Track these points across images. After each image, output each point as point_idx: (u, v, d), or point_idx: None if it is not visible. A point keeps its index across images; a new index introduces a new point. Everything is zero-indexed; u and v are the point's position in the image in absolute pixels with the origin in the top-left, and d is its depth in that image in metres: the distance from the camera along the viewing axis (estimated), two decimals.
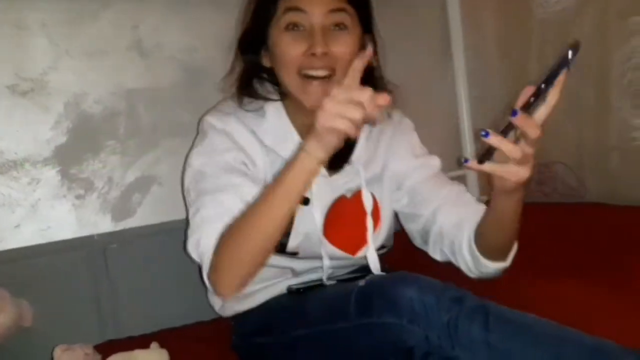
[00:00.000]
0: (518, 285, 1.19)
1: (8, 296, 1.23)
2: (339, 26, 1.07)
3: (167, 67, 1.51)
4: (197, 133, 1.21)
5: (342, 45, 1.07)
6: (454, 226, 1.13)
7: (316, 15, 1.05)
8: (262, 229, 0.98)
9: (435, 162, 1.24)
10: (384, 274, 1.18)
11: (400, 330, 0.93)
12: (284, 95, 1.16)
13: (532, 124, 0.85)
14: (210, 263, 1.03)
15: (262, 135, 1.15)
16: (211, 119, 1.16)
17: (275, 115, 1.15)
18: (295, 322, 1.12)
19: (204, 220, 1.06)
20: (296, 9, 1.05)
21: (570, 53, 0.82)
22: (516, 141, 0.88)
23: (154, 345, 1.21)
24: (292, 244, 1.16)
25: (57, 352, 1.16)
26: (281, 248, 1.17)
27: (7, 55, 1.36)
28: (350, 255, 1.20)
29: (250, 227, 0.98)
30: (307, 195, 1.15)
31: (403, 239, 1.29)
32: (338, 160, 1.17)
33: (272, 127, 1.15)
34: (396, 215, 1.28)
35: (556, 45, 1.65)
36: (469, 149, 1.90)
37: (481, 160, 0.88)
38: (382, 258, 1.22)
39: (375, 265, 1.18)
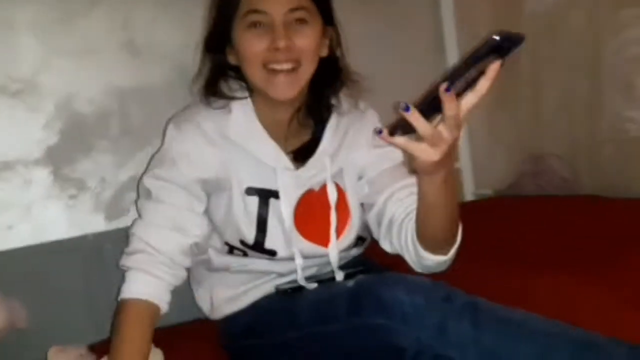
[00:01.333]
0: (510, 278, 1.20)
1: (0, 298, 1.23)
2: (300, 21, 1.09)
3: (160, 66, 1.50)
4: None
5: (304, 38, 1.09)
6: (402, 217, 1.12)
7: (276, 14, 1.07)
8: None
9: (397, 154, 1.23)
10: (352, 272, 1.19)
11: (392, 332, 0.94)
12: (251, 92, 1.17)
13: (454, 104, 0.80)
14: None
15: (227, 131, 1.16)
16: (172, 130, 1.19)
17: (240, 111, 1.17)
18: (285, 324, 1.13)
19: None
20: (256, 11, 1.08)
21: (498, 39, 0.74)
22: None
23: None
24: (268, 242, 1.17)
25: (51, 353, 1.15)
26: (258, 247, 1.17)
27: None
28: (324, 249, 1.20)
29: None
30: (276, 189, 1.16)
31: None
32: (304, 153, 1.18)
33: (238, 122, 1.16)
34: None
35: (548, 39, 1.64)
36: (462, 143, 1.90)
37: (392, 132, 0.84)
38: (363, 251, 1.22)
39: (334, 260, 1.19)
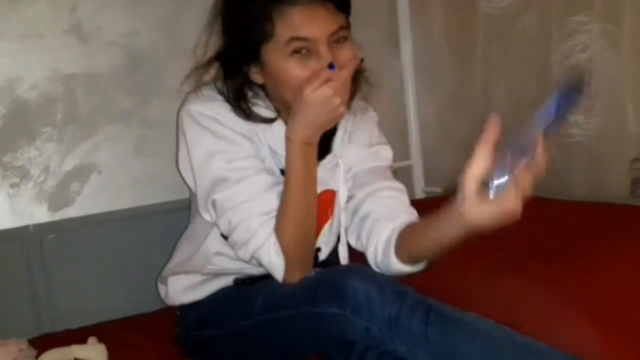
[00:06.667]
0: (455, 278, 1.22)
1: None
2: (341, 39, 1.05)
3: (107, 51, 1.46)
4: (180, 123, 1.13)
5: (346, 54, 1.04)
6: (380, 216, 1.12)
7: (320, 40, 1.02)
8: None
9: (387, 153, 1.23)
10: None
11: (342, 321, 0.95)
12: (278, 110, 1.13)
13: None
14: (282, 258, 1.06)
15: (259, 132, 1.12)
16: (198, 107, 1.10)
17: (278, 126, 1.13)
18: (238, 314, 1.12)
19: (242, 221, 1.07)
20: (300, 38, 1.02)
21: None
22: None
23: (92, 339, 1.18)
24: None
25: None
26: None
27: None
28: None
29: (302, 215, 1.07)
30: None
31: None
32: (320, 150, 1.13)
33: (277, 132, 1.12)
34: None
35: (501, 40, 1.67)
36: (413, 141, 1.93)
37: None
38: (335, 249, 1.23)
39: (344, 257, 1.19)
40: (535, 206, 1.49)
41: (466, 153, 1.83)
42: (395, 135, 1.93)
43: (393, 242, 1.07)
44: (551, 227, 1.37)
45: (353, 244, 1.17)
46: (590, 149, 1.50)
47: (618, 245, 1.24)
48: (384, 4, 1.89)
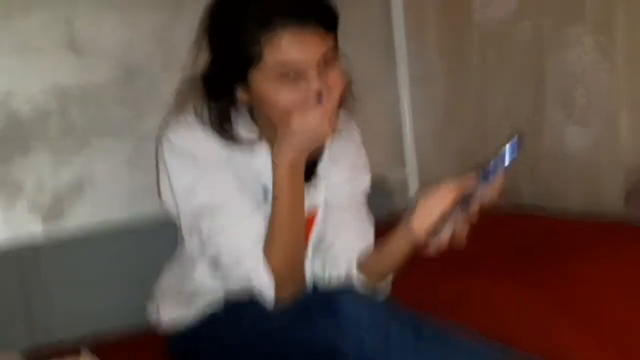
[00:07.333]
0: (448, 291, 1.24)
1: None
2: (330, 60, 1.03)
3: (102, 64, 1.47)
4: (159, 152, 1.12)
5: (335, 76, 1.03)
6: (341, 249, 1.14)
7: (310, 65, 1.00)
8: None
9: (365, 179, 1.23)
10: None
11: (335, 334, 0.95)
12: (262, 131, 1.12)
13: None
14: (272, 281, 1.06)
15: (239, 155, 1.11)
16: (177, 136, 1.09)
17: (260, 146, 1.12)
18: (229, 329, 1.12)
19: (230, 244, 1.08)
20: (289, 64, 1.00)
21: (507, 149, 0.97)
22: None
23: (85, 352, 1.18)
24: None
25: None
26: None
27: None
28: None
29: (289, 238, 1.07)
30: None
31: None
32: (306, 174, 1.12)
33: (259, 153, 1.11)
34: None
35: (495, 51, 1.68)
36: (409, 151, 1.94)
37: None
38: None
39: (309, 276, 1.18)
40: (529, 216, 1.51)
41: (462, 162, 1.85)
42: (391, 146, 1.94)
43: (356, 272, 1.10)
44: (545, 241, 1.38)
45: (319, 268, 1.17)
46: (585, 161, 1.50)
47: (611, 256, 1.25)
48: (378, 15, 1.89)
